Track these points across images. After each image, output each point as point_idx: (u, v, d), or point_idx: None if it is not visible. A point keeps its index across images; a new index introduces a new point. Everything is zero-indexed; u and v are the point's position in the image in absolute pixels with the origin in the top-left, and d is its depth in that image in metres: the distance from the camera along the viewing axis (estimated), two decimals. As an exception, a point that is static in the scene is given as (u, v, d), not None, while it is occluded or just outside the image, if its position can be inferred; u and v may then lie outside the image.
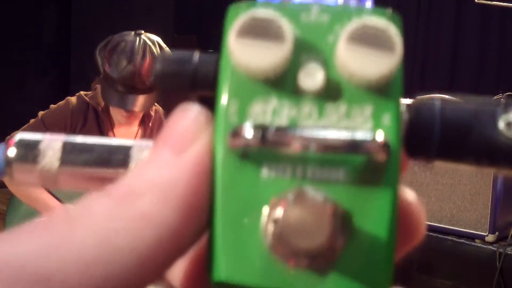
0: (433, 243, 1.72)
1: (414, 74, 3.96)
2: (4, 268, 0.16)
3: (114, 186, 0.18)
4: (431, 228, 1.76)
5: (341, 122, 0.20)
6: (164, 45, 1.74)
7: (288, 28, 0.19)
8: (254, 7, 0.20)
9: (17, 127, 1.83)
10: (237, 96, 0.20)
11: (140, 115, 1.75)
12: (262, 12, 0.19)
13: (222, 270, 0.19)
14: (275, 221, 0.18)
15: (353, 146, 0.19)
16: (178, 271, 0.22)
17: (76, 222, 0.17)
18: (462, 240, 1.71)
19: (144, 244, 0.17)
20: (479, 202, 1.68)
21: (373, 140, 0.19)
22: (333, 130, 0.19)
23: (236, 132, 0.19)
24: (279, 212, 0.18)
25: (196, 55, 0.22)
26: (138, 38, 1.69)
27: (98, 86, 1.82)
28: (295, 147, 0.19)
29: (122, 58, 1.66)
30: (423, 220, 0.22)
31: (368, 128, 0.19)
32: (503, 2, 2.01)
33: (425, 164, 0.21)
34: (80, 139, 0.23)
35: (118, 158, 0.22)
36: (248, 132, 0.19)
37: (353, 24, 0.19)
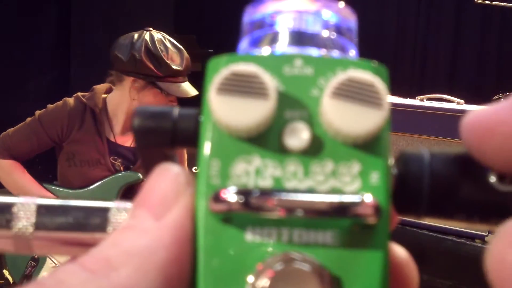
0: (433, 243, 1.72)
1: (414, 74, 3.96)
2: None
3: (89, 256, 0.17)
4: (431, 228, 1.76)
5: (328, 182, 0.19)
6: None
7: (271, 84, 0.18)
8: (235, 60, 0.19)
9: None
10: (219, 155, 0.19)
11: None
12: (243, 66, 0.18)
13: None
14: None
15: (341, 210, 0.18)
16: None
17: None
18: (462, 240, 1.71)
19: None
20: (479, 202, 1.68)
21: (362, 203, 0.18)
22: (320, 193, 0.18)
23: (218, 197, 0.18)
24: (265, 283, 0.17)
25: (176, 110, 0.21)
26: (154, 34, 1.79)
27: (96, 87, 1.83)
28: (279, 213, 0.18)
29: (172, 52, 1.76)
30: (415, 278, 0.21)
31: (356, 188, 0.19)
32: (503, 2, 2.00)
33: (414, 219, 0.20)
34: (54, 201, 0.22)
35: (95, 222, 0.21)
36: (231, 197, 0.18)
37: (338, 78, 0.18)
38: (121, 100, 1.80)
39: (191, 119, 0.21)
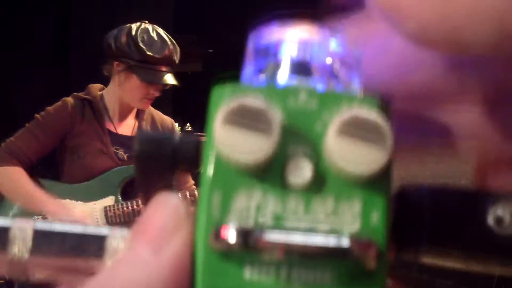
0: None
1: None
2: None
3: (86, 287, 0.17)
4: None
5: (328, 220, 0.19)
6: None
7: (276, 120, 0.19)
8: (240, 91, 0.19)
9: (17, 127, 1.83)
10: (221, 186, 0.19)
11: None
12: (250, 101, 0.19)
13: None
14: None
15: (340, 253, 0.18)
16: None
17: None
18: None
19: None
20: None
21: (361, 246, 0.18)
22: (319, 233, 0.18)
23: (218, 235, 0.18)
24: None
25: (176, 136, 0.22)
26: (145, 24, 1.83)
27: (90, 86, 1.88)
28: (278, 254, 0.18)
29: (153, 40, 1.79)
30: None
31: (356, 228, 0.19)
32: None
33: (410, 259, 0.21)
34: (52, 225, 0.21)
35: (92, 249, 0.21)
36: (231, 236, 0.18)
37: (343, 115, 0.19)
38: (113, 88, 1.85)
39: (191, 145, 0.21)
